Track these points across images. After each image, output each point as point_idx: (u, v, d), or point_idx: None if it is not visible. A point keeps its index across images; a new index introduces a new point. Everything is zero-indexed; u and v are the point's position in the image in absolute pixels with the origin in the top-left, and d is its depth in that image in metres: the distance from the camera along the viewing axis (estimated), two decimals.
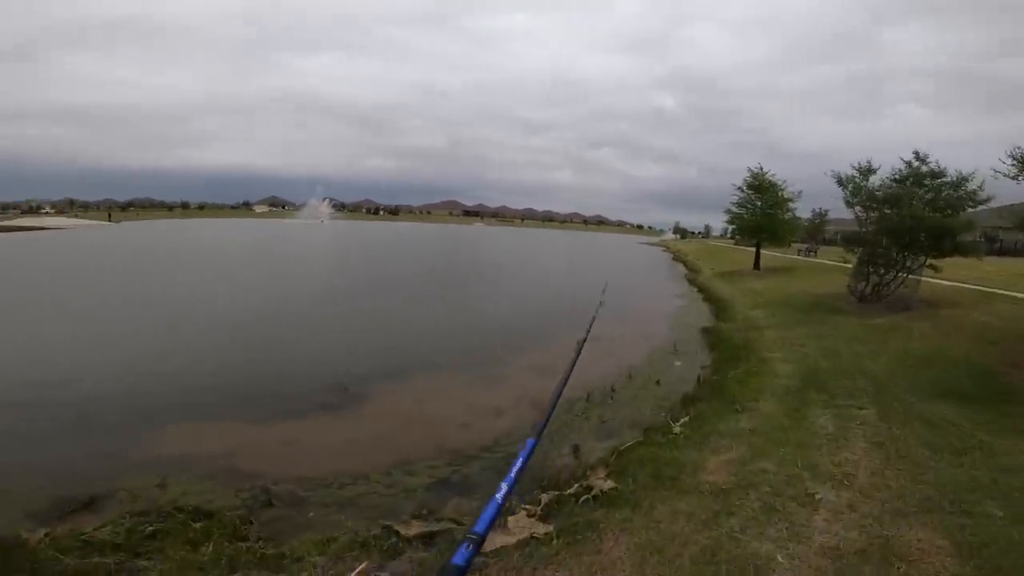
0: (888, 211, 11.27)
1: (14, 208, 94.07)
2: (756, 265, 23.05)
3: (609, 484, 3.57)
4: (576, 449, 5.28)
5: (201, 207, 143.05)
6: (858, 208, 12.46)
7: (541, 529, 3.05)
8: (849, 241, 13.04)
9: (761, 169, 22.01)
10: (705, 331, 11.09)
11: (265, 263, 23.86)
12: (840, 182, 12.55)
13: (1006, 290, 13.03)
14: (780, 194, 21.75)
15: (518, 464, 0.78)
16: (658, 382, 7.41)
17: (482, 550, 0.60)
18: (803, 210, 24.73)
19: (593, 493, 3.44)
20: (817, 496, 3.56)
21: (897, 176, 11.70)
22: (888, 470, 4.02)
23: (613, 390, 7.05)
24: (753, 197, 22.01)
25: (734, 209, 22.42)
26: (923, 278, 11.61)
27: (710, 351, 9.41)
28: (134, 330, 9.93)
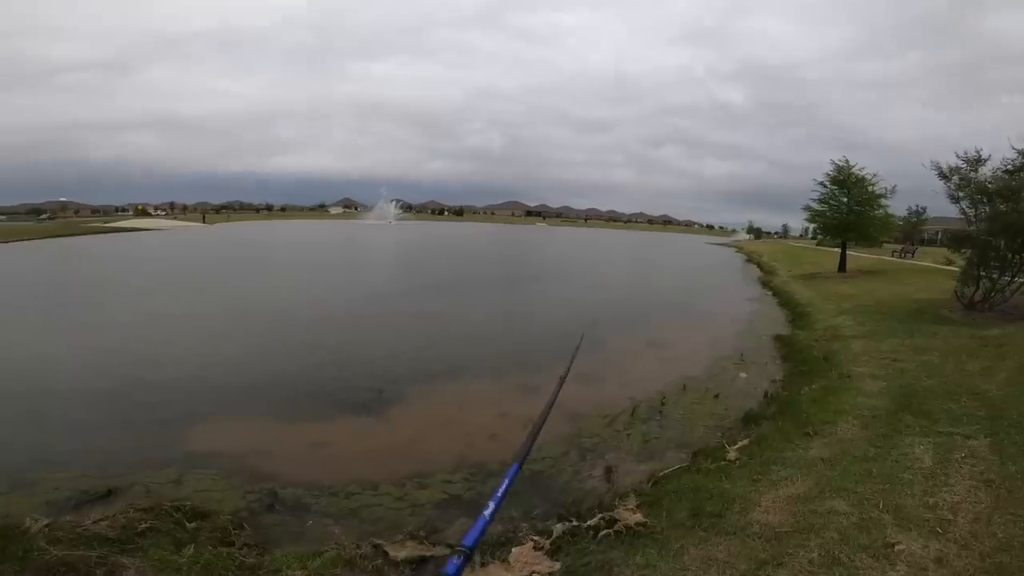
0: (1003, 205, 9.58)
1: (123, 211, 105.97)
2: (842, 267, 20.82)
3: (637, 518, 3.00)
4: (609, 471, 4.69)
5: (283, 209, 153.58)
6: (965, 203, 10.74)
7: (545, 567, 2.56)
8: (956, 240, 11.25)
9: (847, 162, 19.82)
10: (778, 340, 9.94)
11: (330, 263, 24.84)
12: (943, 174, 10.89)
13: None
14: (870, 189, 19.43)
15: (504, 485, 0.76)
16: (717, 396, 6.59)
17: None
18: (896, 207, 21.99)
19: (616, 528, 2.90)
20: (898, 547, 2.80)
21: (1011, 166, 9.95)
22: (997, 515, 3.14)
23: (663, 403, 6.34)
24: (838, 193, 19.84)
25: (815, 206, 20.33)
26: None
27: (783, 363, 8.37)
28: (194, 324, 10.44)
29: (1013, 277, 9.51)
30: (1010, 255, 9.44)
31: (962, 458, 4.07)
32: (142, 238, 39.74)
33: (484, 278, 19.45)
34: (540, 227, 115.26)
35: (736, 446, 4.84)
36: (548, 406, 1.05)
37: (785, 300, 15.74)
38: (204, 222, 73.77)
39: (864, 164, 19.75)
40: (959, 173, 10.65)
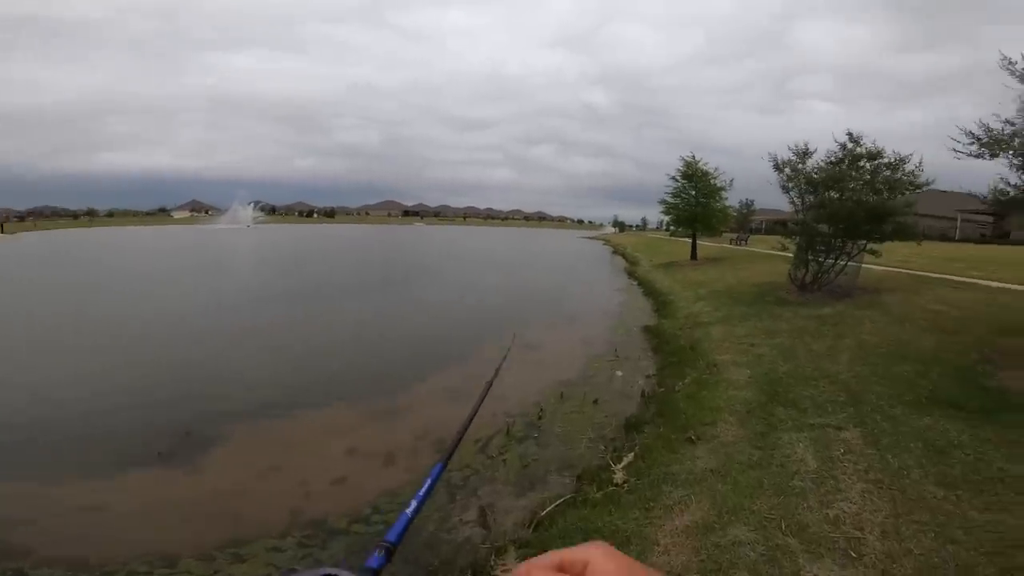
0: (828, 194, 10.72)
1: None
2: (693, 256, 22.79)
3: None
4: (484, 514, 3.88)
5: (110, 214, 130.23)
6: (794, 193, 11.94)
7: None
8: (789, 227, 12.49)
9: (694, 157, 21.69)
10: (647, 331, 10.07)
11: (154, 274, 20.79)
12: (777, 166, 11.98)
13: (938, 273, 13.01)
14: (712, 182, 21.50)
15: (427, 484, 0.72)
16: (596, 401, 6.15)
17: None
18: (730, 200, 24.73)
19: None
20: None
21: (833, 158, 11.21)
22: (903, 526, 2.92)
23: (540, 416, 5.72)
24: (687, 186, 21.65)
25: (669, 199, 21.97)
26: (861, 264, 11.22)
27: (654, 354, 8.34)
28: None
29: (836, 259, 10.69)
30: (834, 240, 10.58)
31: (842, 455, 3.95)
32: None
33: (343, 284, 17.64)
34: (417, 227, 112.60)
35: (622, 464, 4.34)
36: (477, 403, 0.96)
37: (649, 289, 16.53)
38: (3, 232, 59.41)
39: (707, 161, 21.81)
40: (790, 165, 11.76)
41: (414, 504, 0.70)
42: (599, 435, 5.23)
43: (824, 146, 11.22)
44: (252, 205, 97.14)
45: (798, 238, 11.35)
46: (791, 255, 11.87)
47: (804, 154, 11.25)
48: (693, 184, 21.45)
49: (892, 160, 10.11)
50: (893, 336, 7.01)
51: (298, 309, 12.34)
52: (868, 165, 10.54)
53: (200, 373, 7.43)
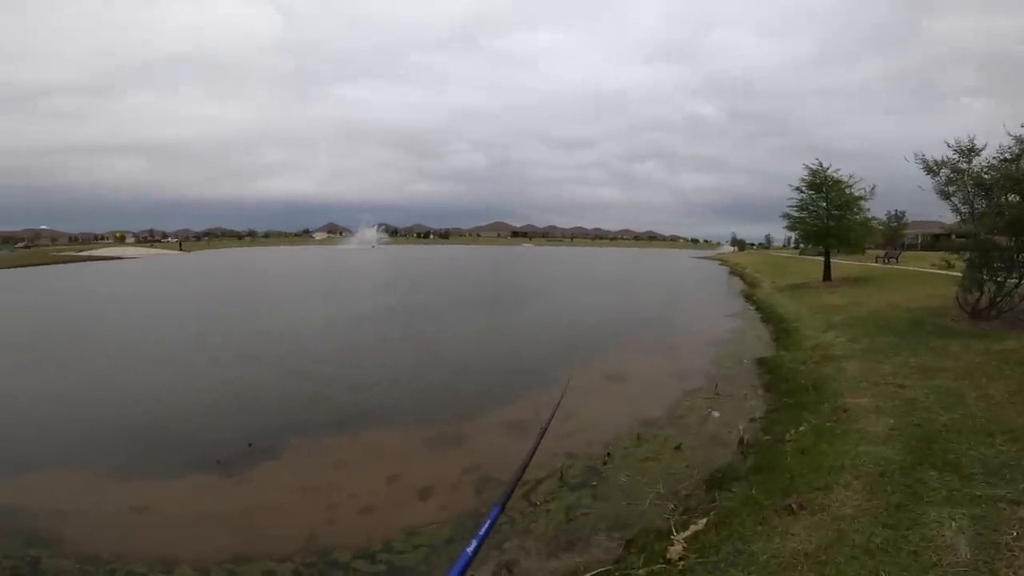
0: (1009, 197, 8.37)
1: (102, 239, 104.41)
2: (827, 276, 19.66)
3: None
4: (500, 572, 3.20)
5: (266, 235, 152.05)
6: (957, 198, 9.56)
7: None
8: (953, 240, 10.01)
9: (821, 165, 18.73)
10: (761, 364, 8.55)
11: (292, 290, 23.18)
12: (930, 168, 9.74)
13: None
14: (848, 192, 18.33)
15: (486, 525, 0.75)
16: (679, 447, 5.12)
17: None
18: (875, 212, 20.91)
19: None
20: None
21: (1007, 155, 8.78)
22: None
23: (607, 460, 4.86)
24: (815, 197, 18.78)
25: (794, 213, 19.17)
26: None
27: (765, 393, 6.96)
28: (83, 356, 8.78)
29: (1021, 279, 8.25)
30: (1017, 255, 8.19)
31: (1015, 540, 2.67)
32: (106, 267, 38.33)
33: (448, 302, 17.95)
34: (525, 247, 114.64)
35: (687, 532, 3.39)
36: (534, 445, 0.99)
37: (769, 314, 14.44)
38: (181, 250, 72.48)
39: (839, 168, 18.79)
40: (949, 165, 9.48)
41: (474, 544, 0.71)
42: (672, 490, 4.24)
43: (992, 143, 8.86)
44: (376, 227, 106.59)
45: (969, 253, 8.99)
46: (959, 274, 9.44)
47: (970, 151, 8.95)
48: (823, 195, 18.57)
49: None
50: None
51: (398, 327, 12.67)
52: None
53: (288, 385, 7.72)
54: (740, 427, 5.49)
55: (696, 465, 4.66)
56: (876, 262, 27.48)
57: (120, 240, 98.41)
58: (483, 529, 0.73)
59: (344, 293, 21.99)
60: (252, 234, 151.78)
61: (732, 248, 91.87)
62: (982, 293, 8.79)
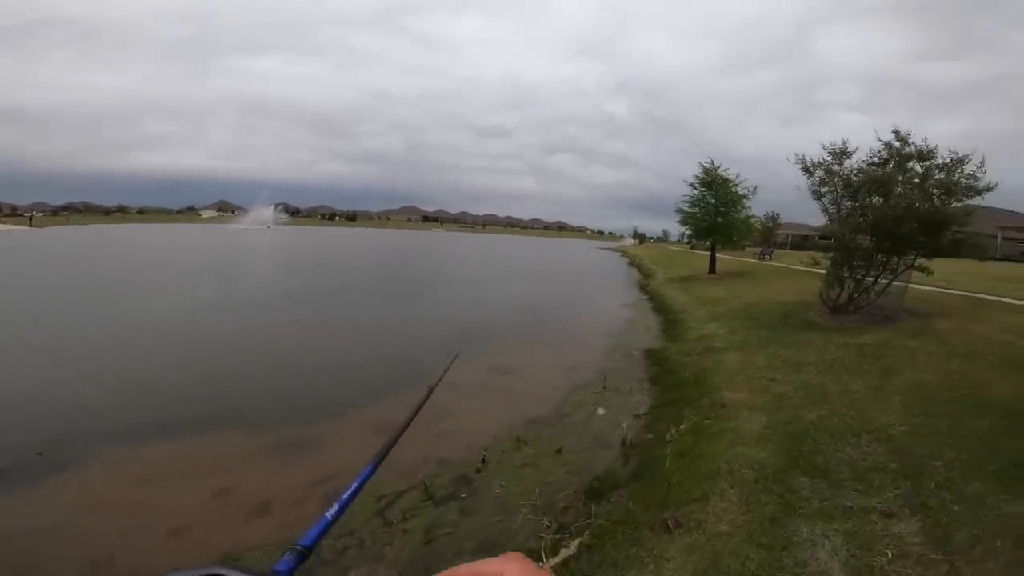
0: (871, 200, 9.08)
1: None
2: (712, 269, 21.07)
3: None
4: None
5: (141, 211, 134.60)
6: (828, 199, 10.32)
7: None
8: (818, 241, 10.86)
9: (713, 163, 19.97)
10: (649, 355, 8.58)
11: (154, 272, 20.11)
12: (807, 168, 10.42)
13: (992, 295, 11.19)
14: (734, 190, 19.77)
15: (353, 487, 0.68)
16: (560, 450, 4.73)
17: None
18: (755, 211, 22.81)
19: None
20: None
21: (876, 159, 9.56)
22: None
23: (481, 467, 4.35)
24: (706, 195, 19.98)
25: (686, 208, 20.30)
26: (908, 283, 9.55)
27: (651, 387, 6.87)
28: None
29: (878, 277, 9.05)
30: (876, 254, 8.94)
31: (890, 562, 2.53)
32: None
33: (336, 289, 16.55)
34: (436, 232, 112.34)
35: (557, 559, 2.97)
36: (415, 410, 0.90)
37: (660, 305, 14.98)
38: (30, 225, 61.31)
39: (728, 168, 20.11)
40: (823, 167, 10.18)
41: (335, 508, 0.65)
42: (548, 501, 3.82)
43: (858, 155, 9.62)
44: (274, 207, 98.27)
45: (832, 252, 9.72)
46: (823, 271, 10.23)
47: (842, 154, 9.62)
48: (713, 192, 19.78)
49: (948, 160, 8.47)
50: (959, 375, 5.41)
51: (265, 317, 11.22)
52: (919, 167, 8.92)
53: (128, 377, 6.36)
54: (624, 425, 5.25)
55: (577, 471, 4.29)
56: (753, 258, 30.13)
57: None
58: (348, 491, 0.66)
59: (219, 277, 19.54)
60: (123, 210, 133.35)
61: (633, 241, 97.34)
62: (842, 289, 9.55)
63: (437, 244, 56.12)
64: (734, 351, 7.85)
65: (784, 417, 4.69)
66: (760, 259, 29.83)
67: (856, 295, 9.19)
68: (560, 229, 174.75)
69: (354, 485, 0.68)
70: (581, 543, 3.14)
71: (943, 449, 3.73)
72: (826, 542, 2.75)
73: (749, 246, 32.90)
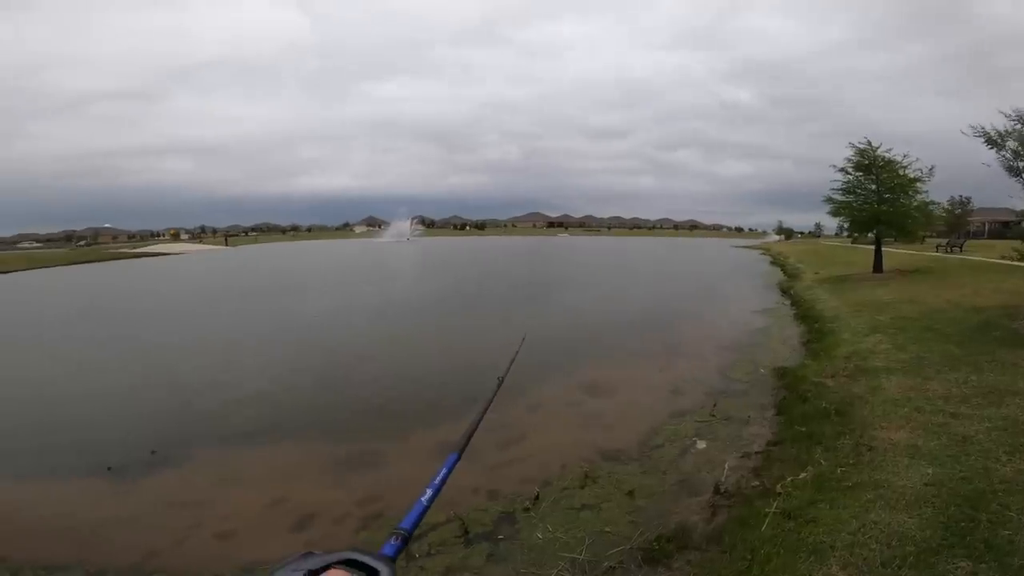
0: None
1: (159, 236, 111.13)
2: (877, 267, 17.39)
3: None
4: None
5: (309, 229, 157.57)
6: None
7: None
8: None
9: (870, 144, 16.30)
10: (780, 375, 7.08)
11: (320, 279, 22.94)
12: (991, 140, 7.92)
13: None
14: (901, 173, 15.96)
15: (442, 473, 0.74)
16: (631, 492, 3.86)
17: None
18: (936, 198, 18.22)
19: None
20: None
21: None
22: None
23: (531, 506, 3.72)
24: (864, 179, 16.54)
25: (837, 197, 16.90)
26: None
27: (774, 416, 5.55)
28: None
29: None
30: None
31: None
32: (147, 264, 39.97)
33: (464, 295, 17.02)
34: (563, 237, 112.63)
35: None
36: (487, 402, 0.97)
37: (805, 311, 12.65)
38: (227, 244, 75.73)
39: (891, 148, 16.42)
40: (1016, 136, 7.66)
41: (429, 493, 0.70)
42: (595, 558, 3.05)
43: None
44: (411, 220, 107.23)
45: None
46: None
47: None
48: (872, 176, 16.33)
49: None
50: None
51: (399, 323, 11.83)
52: None
53: (250, 385, 7.12)
54: (726, 466, 4.18)
55: (644, 521, 3.44)
56: (937, 251, 24.58)
57: (175, 237, 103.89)
58: (438, 478, 0.72)
59: (344, 289, 21.45)
60: (295, 228, 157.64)
61: (778, 237, 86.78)
62: None
63: (561, 249, 55.86)
64: (900, 373, 6.04)
65: (962, 470, 3.26)
66: (947, 251, 24.25)
67: None
68: (692, 228, 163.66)
69: (443, 472, 0.73)
70: None
71: None
72: None
73: (931, 237, 26.92)
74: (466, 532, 3.40)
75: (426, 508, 0.68)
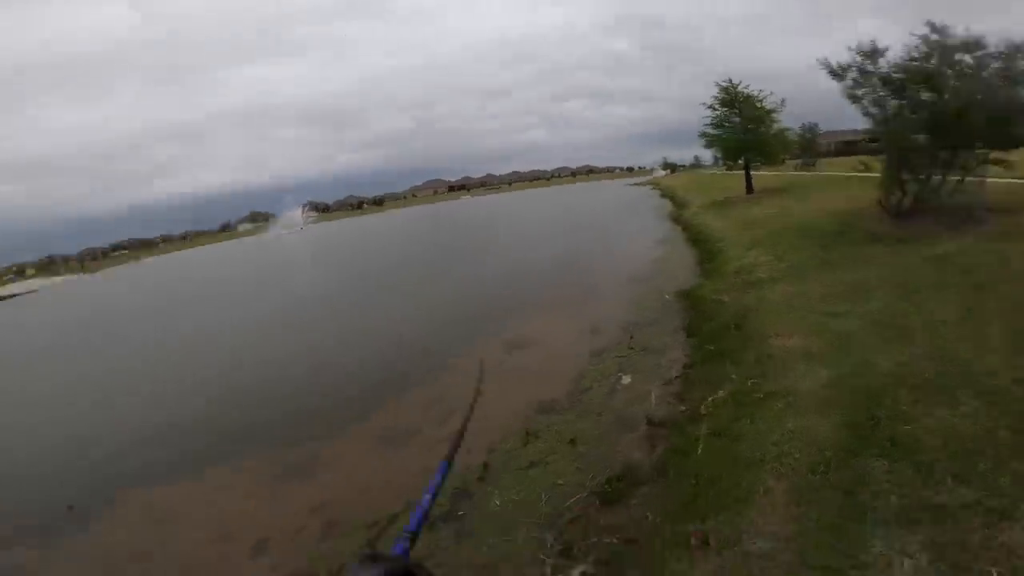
0: (925, 95, 7.69)
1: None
2: (749, 189, 19.35)
3: None
4: None
5: (184, 236, 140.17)
6: (867, 101, 8.79)
7: None
8: (870, 144, 9.37)
9: (731, 82, 18.29)
10: (683, 298, 7.62)
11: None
12: (834, 72, 8.90)
13: None
14: (759, 106, 18.07)
15: (437, 478, 0.80)
16: (573, 441, 4.00)
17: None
18: (788, 124, 20.97)
19: None
20: None
21: (915, 56, 8.07)
22: None
23: (483, 475, 3.74)
24: (729, 114, 18.36)
25: (710, 131, 18.84)
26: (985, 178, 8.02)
27: (686, 338, 5.97)
28: None
29: (945, 176, 7.65)
30: (939, 151, 7.54)
31: None
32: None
33: (363, 274, 16.23)
34: (465, 199, 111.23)
35: None
36: (469, 409, 1.03)
37: (695, 235, 13.72)
38: (83, 271, 65.15)
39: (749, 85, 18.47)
40: (855, 67, 8.68)
41: (428, 497, 0.75)
42: (556, 511, 3.15)
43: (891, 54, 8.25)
44: (302, 208, 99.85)
45: (885, 154, 8.33)
46: (877, 175, 8.79)
47: (873, 52, 8.21)
48: (736, 110, 18.23)
49: (1003, 50, 7.01)
50: None
51: (305, 320, 10.97)
52: (968, 59, 7.39)
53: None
54: (652, 396, 4.45)
55: (592, 466, 3.57)
56: (795, 171, 27.64)
57: (20, 274, 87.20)
58: (433, 482, 0.77)
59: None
60: (167, 239, 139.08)
61: (664, 172, 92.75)
62: (904, 193, 8.15)
63: (462, 210, 55.24)
64: (782, 281, 6.74)
65: (851, 367, 3.70)
66: (802, 169, 27.34)
67: (923, 197, 7.78)
68: (588, 173, 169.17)
69: (438, 477, 0.78)
70: (583, 573, 2.46)
71: None
72: (906, 562, 1.95)
73: (790, 159, 30.11)
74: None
75: (427, 510, 0.73)
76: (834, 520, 2.25)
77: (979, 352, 3.43)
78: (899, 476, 2.42)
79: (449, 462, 0.84)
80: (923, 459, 2.49)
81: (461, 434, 0.93)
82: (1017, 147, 7.86)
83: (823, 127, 34.16)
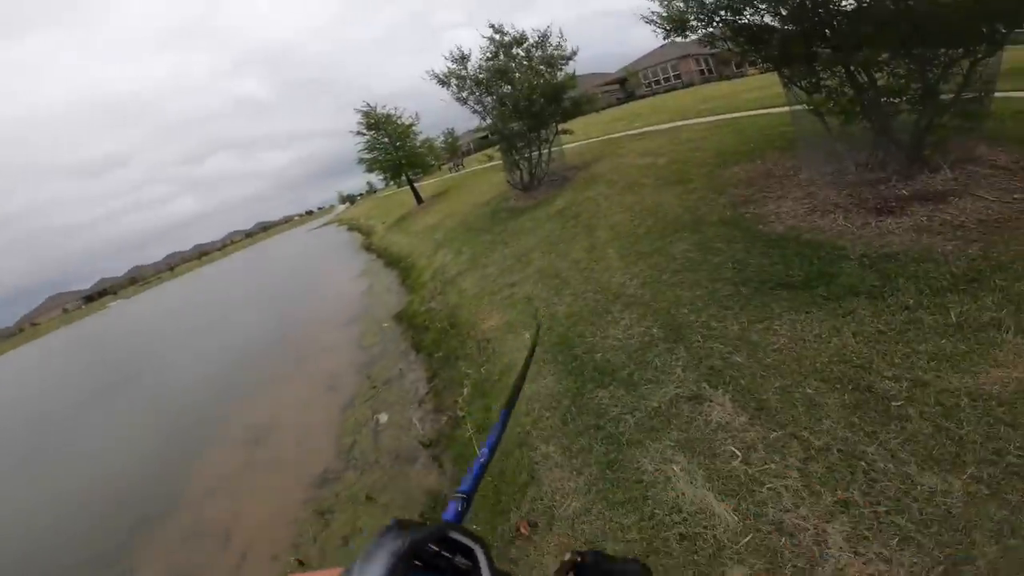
0: (502, 89, 9.84)
1: None
2: (418, 199, 21.37)
3: None
4: None
5: None
6: (472, 100, 10.79)
7: None
8: (493, 137, 11.50)
9: (369, 106, 19.78)
10: (400, 320, 7.96)
11: None
12: (441, 80, 10.58)
13: (617, 133, 13.86)
14: (399, 122, 20.10)
15: (497, 429, 0.78)
16: (369, 497, 3.78)
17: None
18: (430, 133, 24.10)
19: None
20: None
21: (488, 55, 10.31)
22: None
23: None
24: (377, 136, 19.74)
25: (365, 156, 19.92)
26: (563, 147, 10.94)
27: (417, 354, 6.29)
28: None
29: (539, 150, 10.08)
30: (529, 132, 9.85)
31: (747, 466, 2.31)
32: None
33: None
34: (112, 306, 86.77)
35: None
36: (528, 357, 1.08)
37: (389, 257, 14.41)
38: None
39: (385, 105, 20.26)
40: (454, 74, 10.47)
41: (486, 451, 0.71)
42: None
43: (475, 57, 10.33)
44: None
45: (499, 143, 10.43)
46: (500, 162, 10.99)
47: (462, 59, 10.11)
48: (383, 132, 19.62)
49: (536, 40, 9.69)
50: (637, 207, 6.28)
51: None
52: (520, 51, 9.89)
53: None
54: (415, 421, 4.57)
55: (402, 512, 3.48)
56: (450, 173, 31.77)
57: None
58: (493, 435, 0.75)
59: None
60: None
61: (344, 205, 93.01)
62: (520, 170, 10.40)
63: (118, 318, 43.20)
64: (468, 272, 7.76)
65: (547, 326, 4.49)
66: (454, 171, 31.62)
67: (534, 171, 10.10)
68: (265, 229, 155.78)
69: (498, 428, 0.77)
70: None
71: (676, 290, 3.89)
72: (674, 468, 2.42)
73: (444, 164, 34.41)
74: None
75: (484, 466, 0.69)
76: (608, 456, 2.66)
77: (607, 273, 4.75)
78: (619, 398, 3.04)
79: (509, 410, 0.83)
80: (622, 375, 3.22)
81: (520, 382, 0.93)
82: (571, 117, 10.58)
83: (460, 128, 40.10)
